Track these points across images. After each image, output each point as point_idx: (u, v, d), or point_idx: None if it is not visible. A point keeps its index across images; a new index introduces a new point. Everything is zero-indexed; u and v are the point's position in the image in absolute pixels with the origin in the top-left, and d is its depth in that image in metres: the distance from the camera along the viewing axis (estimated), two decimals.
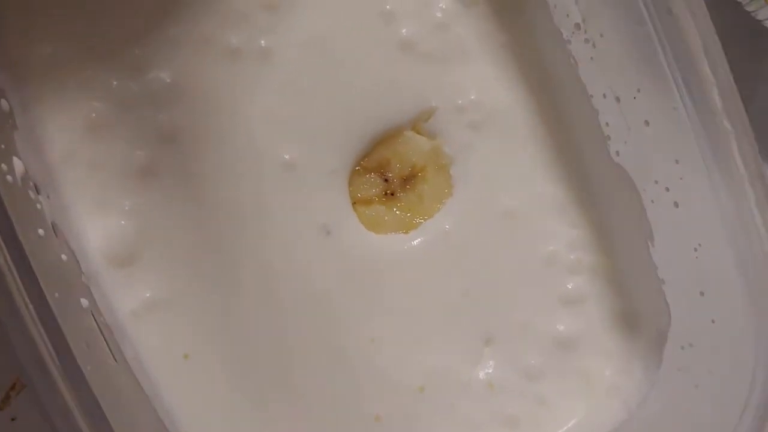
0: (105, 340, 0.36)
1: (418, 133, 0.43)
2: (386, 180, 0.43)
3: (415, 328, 0.42)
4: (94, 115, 0.40)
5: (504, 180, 0.43)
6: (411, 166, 0.43)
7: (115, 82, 0.40)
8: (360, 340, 0.42)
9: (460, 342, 0.43)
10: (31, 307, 0.30)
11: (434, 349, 0.42)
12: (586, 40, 0.39)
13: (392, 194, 0.43)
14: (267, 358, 0.41)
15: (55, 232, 0.36)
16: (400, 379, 0.42)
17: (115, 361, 0.36)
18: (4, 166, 0.34)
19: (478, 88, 0.43)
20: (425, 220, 0.43)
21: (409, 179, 0.44)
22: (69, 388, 0.30)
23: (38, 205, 0.35)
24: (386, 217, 0.43)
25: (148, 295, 0.40)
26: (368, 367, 0.41)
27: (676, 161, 0.37)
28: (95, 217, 0.39)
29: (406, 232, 0.43)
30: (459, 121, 0.43)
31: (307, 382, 0.41)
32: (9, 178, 0.34)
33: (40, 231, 0.34)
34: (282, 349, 0.41)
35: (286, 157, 0.42)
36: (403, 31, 0.43)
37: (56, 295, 0.32)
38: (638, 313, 0.43)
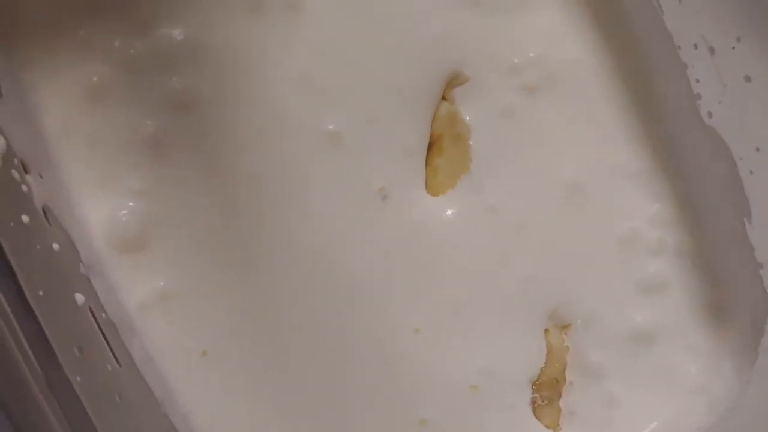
0: (106, 340, 0.33)
1: (445, 98, 0.41)
2: None
3: (467, 317, 0.40)
4: (95, 79, 0.38)
5: (568, 147, 0.41)
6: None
7: (118, 41, 0.38)
8: (403, 330, 0.39)
9: (518, 334, 0.40)
10: (8, 310, 0.27)
11: (489, 342, 0.40)
12: None
13: None
14: (296, 354, 0.39)
15: (46, 217, 0.34)
16: (450, 377, 0.39)
17: (119, 364, 0.33)
18: None
19: (543, 41, 0.41)
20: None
21: None
22: (52, 407, 0.27)
23: (24, 187, 0.33)
24: None
25: (160, 284, 0.38)
26: (412, 362, 0.39)
27: None
28: (98, 198, 0.37)
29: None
30: (512, 78, 0.41)
31: (341, 381, 0.39)
32: None
33: (25, 218, 0.31)
34: (313, 343, 0.39)
35: (330, 127, 0.39)
36: None
37: (40, 293, 0.29)
38: (730, 301, 0.40)
